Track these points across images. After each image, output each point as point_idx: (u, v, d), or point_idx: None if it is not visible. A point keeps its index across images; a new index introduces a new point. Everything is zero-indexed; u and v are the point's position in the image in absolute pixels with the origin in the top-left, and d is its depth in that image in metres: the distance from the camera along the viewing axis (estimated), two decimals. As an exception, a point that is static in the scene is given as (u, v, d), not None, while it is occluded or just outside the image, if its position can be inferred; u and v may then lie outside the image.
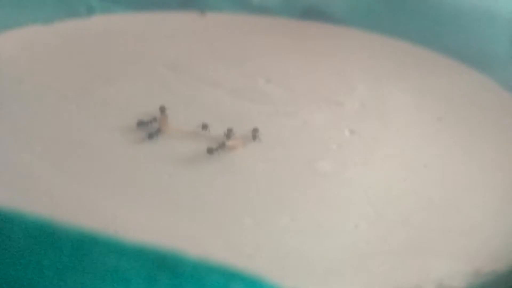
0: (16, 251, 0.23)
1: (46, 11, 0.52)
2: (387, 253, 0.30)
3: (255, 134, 0.39)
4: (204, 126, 0.39)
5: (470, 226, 0.32)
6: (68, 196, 0.32)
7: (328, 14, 0.57)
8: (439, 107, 0.44)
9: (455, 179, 0.37)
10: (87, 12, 0.54)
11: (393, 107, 0.44)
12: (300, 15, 0.58)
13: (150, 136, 0.38)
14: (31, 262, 0.23)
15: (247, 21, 0.57)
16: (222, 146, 0.37)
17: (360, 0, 0.58)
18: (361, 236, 0.31)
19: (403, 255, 0.30)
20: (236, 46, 0.52)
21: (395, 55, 0.52)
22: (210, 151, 0.36)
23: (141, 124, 0.39)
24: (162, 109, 0.40)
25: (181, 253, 0.23)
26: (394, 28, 0.54)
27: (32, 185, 0.33)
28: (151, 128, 0.39)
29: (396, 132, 0.41)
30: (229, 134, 0.38)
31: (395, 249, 0.31)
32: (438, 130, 0.42)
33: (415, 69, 0.50)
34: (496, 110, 0.44)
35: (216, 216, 0.32)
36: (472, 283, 0.29)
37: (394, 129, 0.41)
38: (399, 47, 0.53)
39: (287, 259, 0.29)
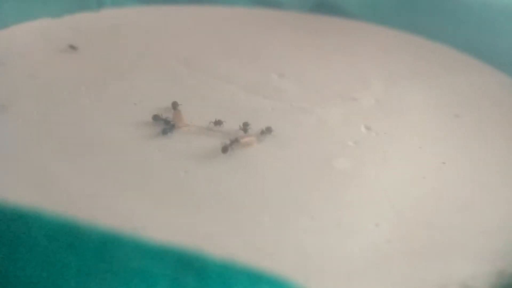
0: (39, 252, 0.23)
1: (56, 4, 0.52)
2: (409, 253, 0.30)
3: (268, 131, 0.38)
4: (218, 122, 0.38)
5: (492, 225, 0.32)
6: (85, 192, 0.32)
7: (340, 8, 0.57)
8: (456, 104, 0.44)
9: (474, 177, 0.36)
10: (97, 5, 0.54)
11: (409, 103, 0.44)
12: (311, 9, 0.57)
13: (164, 131, 0.37)
14: (54, 263, 0.22)
15: (259, 14, 0.57)
16: (235, 142, 0.36)
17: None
18: (382, 236, 0.31)
19: (425, 255, 0.30)
20: (248, 40, 0.52)
21: (410, 50, 0.51)
22: (224, 149, 0.36)
23: (156, 118, 0.39)
24: (175, 105, 0.40)
25: (206, 254, 0.23)
26: (409, 23, 0.53)
27: (47, 181, 0.32)
28: (165, 123, 0.38)
29: (413, 129, 0.41)
30: (245, 127, 0.38)
31: (417, 250, 0.30)
32: (455, 127, 0.41)
33: (431, 65, 0.49)
34: (513, 107, 0.44)
35: (234, 214, 0.32)
36: (496, 284, 0.28)
37: (411, 126, 0.41)
38: (414, 42, 0.52)
39: (308, 259, 0.29)
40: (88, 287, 0.22)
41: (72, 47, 0.43)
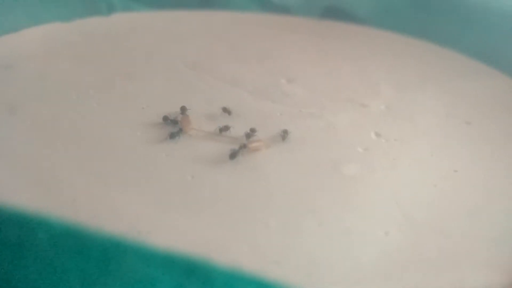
0: (42, 257, 0.22)
1: (67, 8, 0.52)
2: (420, 262, 0.29)
3: (284, 135, 0.38)
4: (225, 128, 0.38)
5: (504, 234, 0.31)
6: (91, 196, 0.32)
7: (350, 14, 0.56)
8: (467, 111, 0.43)
9: (486, 185, 0.35)
10: (107, 9, 0.54)
11: (419, 110, 0.43)
12: (321, 15, 0.57)
13: (172, 135, 0.37)
14: (58, 268, 0.22)
15: (268, 20, 0.57)
16: (243, 148, 0.36)
17: (383, -1, 0.57)
18: (392, 244, 0.30)
19: (436, 264, 0.29)
20: (256, 45, 0.51)
21: (420, 57, 0.51)
22: (232, 156, 0.35)
23: (166, 119, 0.39)
24: (183, 110, 0.40)
25: (212, 261, 0.22)
26: (418, 28, 0.53)
27: (54, 184, 0.32)
28: (173, 127, 0.38)
29: (424, 135, 0.40)
30: (251, 134, 0.38)
31: (427, 258, 0.30)
32: (466, 134, 0.40)
33: (441, 71, 0.48)
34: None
35: (241, 220, 0.31)
36: (509, 294, 0.28)
37: (421, 132, 0.40)
38: (424, 48, 0.52)
39: (316, 267, 0.28)
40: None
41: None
